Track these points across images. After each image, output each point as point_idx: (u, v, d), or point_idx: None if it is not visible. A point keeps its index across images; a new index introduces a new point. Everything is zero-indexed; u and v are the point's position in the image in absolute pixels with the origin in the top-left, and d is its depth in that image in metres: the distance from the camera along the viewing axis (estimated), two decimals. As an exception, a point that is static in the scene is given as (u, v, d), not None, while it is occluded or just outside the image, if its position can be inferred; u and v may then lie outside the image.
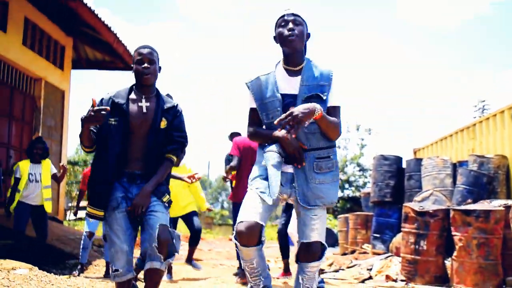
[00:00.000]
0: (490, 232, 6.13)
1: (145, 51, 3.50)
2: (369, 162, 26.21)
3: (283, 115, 2.95)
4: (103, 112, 3.17)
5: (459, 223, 6.34)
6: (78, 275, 7.11)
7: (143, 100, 3.52)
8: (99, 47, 12.73)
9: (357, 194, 26.35)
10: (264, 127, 3.32)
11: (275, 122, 3.00)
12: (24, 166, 7.32)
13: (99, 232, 7.67)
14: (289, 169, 3.19)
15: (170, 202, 3.55)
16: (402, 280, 6.77)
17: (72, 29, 12.23)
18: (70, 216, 14.92)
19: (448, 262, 6.65)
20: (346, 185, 29.26)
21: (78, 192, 7.77)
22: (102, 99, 3.48)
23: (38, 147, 7.40)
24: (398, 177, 9.59)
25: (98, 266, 8.01)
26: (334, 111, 3.20)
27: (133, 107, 3.49)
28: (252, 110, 3.33)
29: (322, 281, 5.67)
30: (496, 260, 6.12)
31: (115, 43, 11.55)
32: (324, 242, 3.23)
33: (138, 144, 3.48)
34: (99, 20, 10.62)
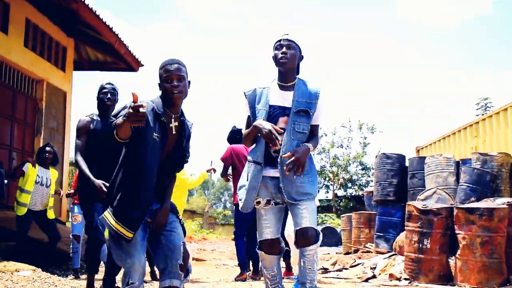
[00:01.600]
0: (494, 230, 6.11)
1: (172, 67, 3.21)
2: (372, 161, 26.24)
3: (290, 161, 3.57)
4: (143, 110, 2.78)
5: (462, 222, 6.33)
6: (75, 279, 7.09)
7: (172, 120, 3.29)
8: (100, 48, 12.71)
9: (360, 193, 26.36)
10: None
11: (284, 168, 3.63)
12: (32, 168, 7.27)
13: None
14: (276, 173, 3.74)
15: (182, 221, 3.54)
16: (405, 279, 6.76)
17: (74, 30, 12.22)
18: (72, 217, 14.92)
19: (452, 261, 6.64)
20: (349, 184, 29.25)
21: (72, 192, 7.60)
22: (146, 106, 3.06)
23: (48, 151, 7.37)
24: (401, 175, 9.58)
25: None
26: (315, 128, 3.91)
27: (167, 126, 3.27)
28: (248, 117, 3.89)
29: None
30: (500, 258, 6.11)
31: (116, 44, 11.54)
32: (316, 228, 3.70)
33: (160, 161, 3.27)
34: (101, 21, 10.61)
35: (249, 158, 3.87)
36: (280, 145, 3.63)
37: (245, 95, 3.89)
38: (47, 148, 7.40)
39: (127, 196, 3.16)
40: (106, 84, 5.30)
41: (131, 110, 2.75)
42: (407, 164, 9.77)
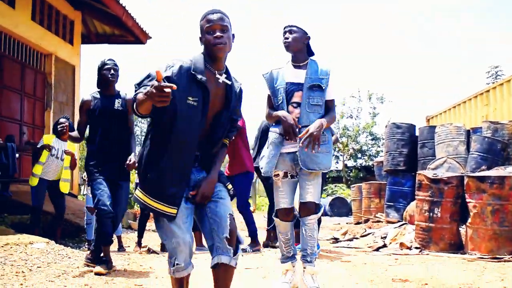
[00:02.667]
0: (505, 199, 6.10)
1: (214, 16, 2.90)
2: (382, 131, 26.15)
3: (305, 136, 3.94)
4: (168, 90, 2.40)
5: (473, 190, 6.32)
6: (88, 250, 7.16)
7: (218, 76, 2.92)
8: (108, 20, 12.66)
9: (370, 163, 26.34)
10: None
11: (297, 138, 4.02)
12: (48, 140, 7.28)
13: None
14: (293, 149, 4.14)
15: (233, 190, 3.12)
16: (416, 248, 6.78)
17: (81, 3, 12.18)
18: (85, 190, 15.04)
19: (462, 229, 6.65)
20: (359, 155, 29.22)
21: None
22: (174, 68, 2.81)
23: (62, 122, 7.14)
24: (411, 145, 9.55)
25: (113, 239, 8.08)
26: (331, 103, 4.30)
27: (210, 84, 2.88)
28: (268, 96, 4.31)
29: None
30: (510, 226, 6.10)
31: (124, 16, 11.49)
32: (318, 202, 4.18)
33: (205, 124, 2.91)
34: (108, -7, 10.57)
35: (273, 129, 4.28)
36: (298, 129, 4.06)
37: (263, 77, 4.34)
38: (61, 120, 7.21)
39: (161, 171, 2.82)
40: (108, 60, 5.26)
41: (154, 90, 2.40)
42: (417, 133, 9.74)
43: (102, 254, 5.15)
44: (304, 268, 4.17)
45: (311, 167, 4.07)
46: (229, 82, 2.97)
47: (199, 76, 2.82)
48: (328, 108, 4.26)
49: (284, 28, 4.28)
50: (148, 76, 2.80)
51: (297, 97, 4.17)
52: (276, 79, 4.27)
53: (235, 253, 2.87)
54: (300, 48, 4.28)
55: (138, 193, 2.89)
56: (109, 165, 5.12)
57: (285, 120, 4.05)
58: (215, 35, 2.86)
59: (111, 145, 5.16)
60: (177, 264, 2.83)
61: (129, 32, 12.90)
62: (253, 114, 26.70)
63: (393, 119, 20.16)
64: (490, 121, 8.31)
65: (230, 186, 3.07)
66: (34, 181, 7.15)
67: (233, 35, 2.99)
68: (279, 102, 4.20)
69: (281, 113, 4.10)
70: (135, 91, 2.77)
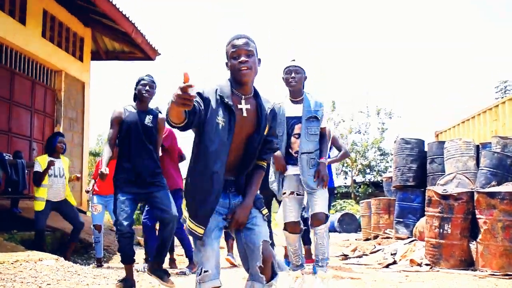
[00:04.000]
0: (516, 215, 6.06)
1: (240, 42, 2.94)
2: (390, 146, 26.08)
3: (318, 180, 4.82)
4: (193, 93, 2.40)
5: (483, 206, 6.28)
6: (97, 268, 7.13)
7: (243, 102, 2.97)
8: (117, 37, 12.77)
9: (379, 178, 26.23)
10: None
11: (314, 179, 4.85)
12: (43, 161, 7.07)
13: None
14: (295, 171, 4.91)
15: (269, 215, 3.17)
16: (427, 264, 6.74)
17: (91, 20, 12.29)
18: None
19: (473, 246, 6.60)
20: (368, 170, 29.13)
21: (93, 183, 7.63)
22: (205, 89, 2.90)
23: (62, 141, 7.22)
24: (420, 160, 9.51)
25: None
26: (324, 130, 5.02)
27: (235, 109, 2.93)
28: None
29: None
30: (522, 242, 6.05)
31: (133, 33, 11.58)
32: (326, 212, 4.86)
33: (236, 149, 2.96)
34: (117, 10, 10.66)
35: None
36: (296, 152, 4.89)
37: None
38: (60, 138, 7.25)
39: (194, 188, 2.93)
40: (146, 76, 5.27)
41: (179, 92, 2.39)
42: (426, 149, 9.70)
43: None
44: (316, 274, 4.82)
45: (314, 187, 4.83)
46: (247, 107, 2.97)
47: (226, 100, 2.88)
48: (322, 135, 5.00)
49: (289, 67, 4.89)
50: None
51: (297, 129, 4.89)
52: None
53: (272, 278, 2.88)
54: (300, 86, 4.95)
55: (184, 211, 2.99)
56: (136, 180, 5.04)
57: (278, 161, 4.92)
58: (240, 60, 2.90)
59: (136, 160, 5.08)
60: (205, 271, 2.82)
61: (138, 49, 12.99)
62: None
63: (402, 135, 20.12)
64: (499, 136, 8.27)
65: (265, 211, 3.08)
66: (40, 206, 7.00)
67: (259, 59, 3.03)
68: (280, 134, 4.82)
69: (276, 155, 4.87)
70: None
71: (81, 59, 12.40)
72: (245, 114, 2.95)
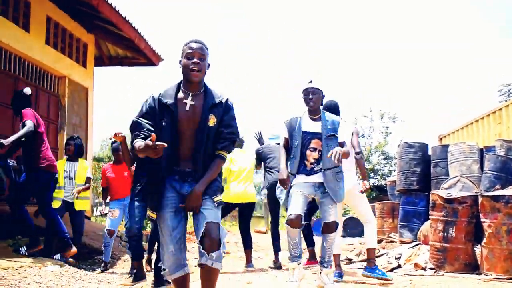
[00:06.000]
0: (520, 218, 6.04)
1: (196, 45, 3.36)
2: (394, 150, 26.01)
3: (336, 151, 4.84)
4: (160, 147, 3.00)
5: (488, 210, 6.26)
6: (102, 272, 7.17)
7: (189, 98, 3.39)
8: (120, 43, 12.80)
9: (383, 182, 26.15)
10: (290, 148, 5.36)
11: (328, 155, 4.90)
12: (60, 164, 7.51)
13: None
14: (317, 179, 5.20)
15: (220, 203, 3.46)
16: (431, 268, 6.72)
17: (94, 26, 12.32)
18: (97, 212, 15.11)
19: (477, 249, 6.59)
20: (371, 174, 29.07)
21: (101, 190, 8.01)
22: (149, 100, 3.38)
23: (70, 143, 7.67)
24: (424, 164, 9.49)
25: (127, 261, 8.09)
26: (342, 144, 5.22)
27: (181, 106, 3.37)
28: (285, 138, 5.40)
29: (338, 275, 6.12)
30: (527, 246, 6.04)
31: (136, 39, 11.62)
32: (337, 221, 5.19)
33: (188, 142, 3.38)
34: (120, 16, 10.70)
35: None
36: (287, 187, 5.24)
37: (284, 123, 5.39)
38: (68, 141, 7.75)
39: (147, 178, 3.52)
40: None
41: (149, 150, 2.98)
42: (430, 152, 9.68)
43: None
44: (321, 270, 5.20)
45: (338, 200, 5.18)
46: (191, 103, 3.39)
47: (165, 100, 3.35)
48: (341, 146, 5.17)
49: (307, 89, 5.25)
50: (138, 124, 3.33)
51: (313, 143, 5.22)
52: (294, 127, 5.28)
53: (215, 252, 3.20)
54: (318, 105, 5.32)
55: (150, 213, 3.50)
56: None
57: (281, 175, 5.25)
58: (193, 61, 3.33)
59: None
60: (163, 269, 3.39)
61: (141, 54, 13.02)
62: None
63: (406, 138, 20.09)
64: (503, 139, 8.25)
65: (217, 198, 3.42)
66: (57, 204, 7.33)
67: (209, 64, 3.45)
68: (295, 146, 5.23)
69: (282, 166, 5.31)
70: (132, 136, 3.32)
71: (84, 65, 12.43)
72: (187, 108, 3.37)
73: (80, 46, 12.26)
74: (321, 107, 5.47)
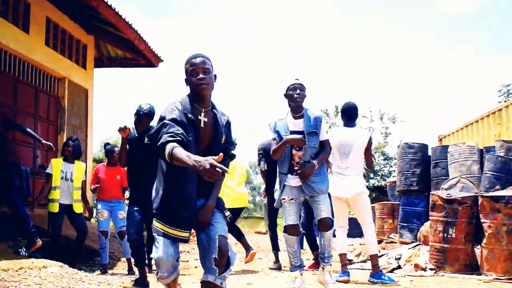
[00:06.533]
0: (520, 218, 6.04)
1: (197, 60, 3.26)
2: (394, 151, 26.00)
3: (299, 168, 5.06)
4: (219, 170, 2.74)
5: (488, 210, 6.27)
6: (102, 274, 7.16)
7: (202, 114, 3.29)
8: (120, 44, 12.78)
9: (383, 183, 26.13)
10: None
11: (295, 173, 5.11)
12: (57, 163, 7.47)
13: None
14: (297, 182, 5.16)
15: (230, 217, 3.48)
16: (431, 269, 6.72)
17: (93, 28, 12.32)
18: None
19: (477, 250, 6.59)
20: (371, 175, 29.05)
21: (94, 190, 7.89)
22: (176, 111, 3.19)
23: (69, 144, 7.57)
24: (424, 165, 9.50)
25: (127, 262, 8.08)
26: (325, 143, 5.32)
27: (197, 122, 3.27)
28: (273, 139, 5.24)
29: (347, 274, 6.12)
30: (527, 246, 6.04)
31: (136, 40, 11.61)
32: (330, 216, 5.17)
33: None
34: (120, 18, 10.69)
35: (279, 169, 5.32)
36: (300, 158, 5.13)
37: (269, 125, 5.34)
38: (67, 142, 7.66)
39: (172, 199, 3.23)
40: (145, 104, 5.87)
41: (208, 166, 2.69)
42: (429, 153, 9.69)
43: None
44: (323, 267, 5.22)
45: (313, 193, 5.11)
46: (205, 120, 3.29)
47: (190, 115, 3.22)
48: (323, 146, 5.28)
49: (294, 84, 5.19)
50: (164, 124, 3.12)
51: None
52: (281, 128, 5.23)
53: (224, 271, 3.21)
54: (302, 102, 5.25)
55: (156, 223, 3.31)
56: (141, 193, 5.66)
57: (292, 139, 5.09)
58: (198, 77, 3.23)
59: (141, 175, 5.68)
60: (160, 273, 3.29)
61: (141, 56, 13.01)
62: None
63: (405, 139, 20.09)
64: (503, 140, 8.26)
65: (227, 213, 3.44)
66: (55, 207, 7.29)
67: (215, 75, 3.35)
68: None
69: (287, 138, 5.10)
70: (154, 138, 3.12)
71: (84, 66, 12.41)
72: (202, 125, 3.28)
73: (79, 47, 12.25)
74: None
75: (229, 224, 3.53)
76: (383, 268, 7.19)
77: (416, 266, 6.95)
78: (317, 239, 5.69)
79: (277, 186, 5.42)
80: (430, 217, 7.05)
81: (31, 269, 5.70)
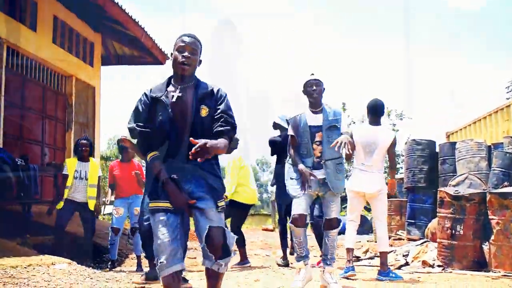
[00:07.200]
0: (528, 215, 6.02)
1: (188, 39, 3.29)
2: (402, 148, 25.91)
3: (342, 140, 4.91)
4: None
5: (496, 207, 6.25)
6: (110, 270, 7.19)
7: (177, 91, 3.26)
8: (127, 42, 12.82)
9: (390, 180, 25.96)
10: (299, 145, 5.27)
11: (332, 145, 4.97)
12: (71, 164, 7.48)
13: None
14: (320, 176, 5.11)
15: (223, 207, 3.33)
16: (439, 266, 6.71)
17: (100, 26, 12.34)
18: (105, 210, 15.12)
19: (485, 247, 6.56)
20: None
21: (109, 188, 7.89)
22: (142, 98, 3.31)
23: (83, 144, 7.54)
24: (432, 161, 9.47)
25: (135, 259, 8.11)
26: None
27: (170, 99, 3.26)
28: (291, 136, 5.25)
29: (352, 269, 6.12)
30: (535, 243, 6.01)
31: (143, 37, 11.63)
32: (339, 217, 5.22)
33: (184, 136, 3.19)
34: (127, 15, 10.71)
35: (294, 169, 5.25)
36: (310, 187, 5.08)
37: (289, 121, 5.32)
38: (82, 141, 7.58)
39: (153, 172, 3.26)
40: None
41: (177, 200, 3.15)
42: (437, 150, 9.65)
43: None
44: (324, 268, 5.26)
45: (341, 189, 5.20)
46: (178, 95, 3.27)
47: (154, 95, 3.28)
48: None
49: (310, 80, 5.22)
50: (134, 129, 3.31)
51: (318, 136, 5.17)
52: (299, 123, 5.21)
53: (221, 258, 3.19)
54: (320, 97, 5.27)
55: (148, 202, 3.31)
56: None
57: (304, 174, 5.04)
58: (183, 54, 3.25)
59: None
60: (160, 262, 3.11)
61: (148, 53, 13.04)
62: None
63: (413, 136, 20.03)
64: (511, 136, 8.22)
65: (221, 204, 3.30)
66: (61, 204, 7.34)
67: (201, 61, 3.38)
68: (305, 142, 5.17)
69: (300, 167, 5.08)
70: (131, 131, 3.34)
71: (91, 64, 12.45)
72: (174, 100, 3.25)
73: (87, 45, 12.29)
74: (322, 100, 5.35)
75: (235, 230, 3.52)
76: (391, 265, 7.18)
77: (424, 263, 6.93)
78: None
79: (287, 178, 5.31)
80: (437, 214, 7.03)
81: (40, 266, 5.74)
